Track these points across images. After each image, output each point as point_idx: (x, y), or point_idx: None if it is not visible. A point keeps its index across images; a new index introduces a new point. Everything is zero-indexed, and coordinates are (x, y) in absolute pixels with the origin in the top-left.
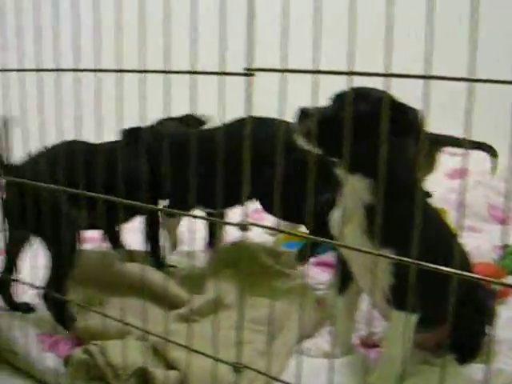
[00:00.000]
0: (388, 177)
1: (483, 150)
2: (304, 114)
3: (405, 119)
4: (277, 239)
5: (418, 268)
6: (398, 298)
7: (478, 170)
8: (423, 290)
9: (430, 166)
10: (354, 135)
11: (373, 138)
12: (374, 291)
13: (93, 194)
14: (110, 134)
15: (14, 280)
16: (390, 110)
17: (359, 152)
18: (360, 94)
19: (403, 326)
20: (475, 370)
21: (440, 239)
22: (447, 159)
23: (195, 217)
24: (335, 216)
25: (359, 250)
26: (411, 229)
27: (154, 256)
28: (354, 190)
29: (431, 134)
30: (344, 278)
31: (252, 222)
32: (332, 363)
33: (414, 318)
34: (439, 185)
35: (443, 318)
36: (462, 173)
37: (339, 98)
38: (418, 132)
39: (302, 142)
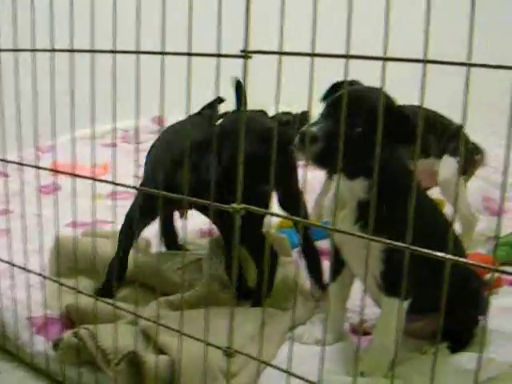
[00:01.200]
0: (386, 178)
1: None
2: (306, 137)
3: (407, 127)
4: (278, 224)
5: (411, 255)
6: (389, 284)
7: None
8: (415, 277)
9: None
10: (356, 146)
11: (374, 145)
12: (366, 278)
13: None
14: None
15: None
16: (391, 118)
17: (361, 160)
18: (358, 100)
19: (394, 313)
20: (466, 358)
21: (434, 228)
22: None
23: None
24: (328, 203)
25: (352, 235)
26: (404, 218)
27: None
28: (351, 189)
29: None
30: (336, 265)
31: (245, 207)
32: (323, 350)
33: (405, 305)
34: None
35: (436, 306)
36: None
37: (335, 108)
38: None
39: (309, 164)
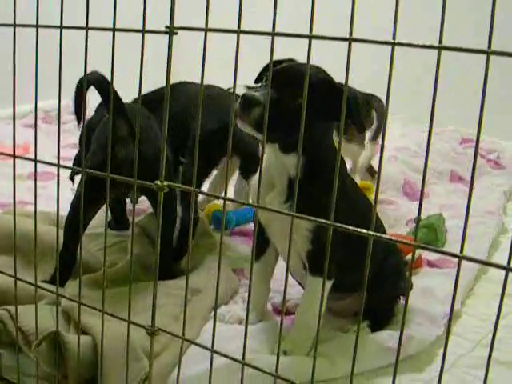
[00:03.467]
0: (320, 156)
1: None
2: (249, 102)
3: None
4: (207, 208)
5: (337, 236)
6: (314, 264)
7: (394, 145)
8: (340, 256)
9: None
10: (296, 118)
11: (312, 119)
12: (292, 257)
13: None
14: None
15: None
16: (331, 93)
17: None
18: (299, 74)
19: (318, 292)
20: (387, 336)
21: (359, 207)
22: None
23: None
24: (255, 182)
25: (281, 213)
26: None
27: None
28: (284, 165)
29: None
30: (261, 245)
31: (169, 184)
32: (246, 329)
33: (329, 284)
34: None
35: (360, 286)
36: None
37: (278, 80)
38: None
39: (248, 129)
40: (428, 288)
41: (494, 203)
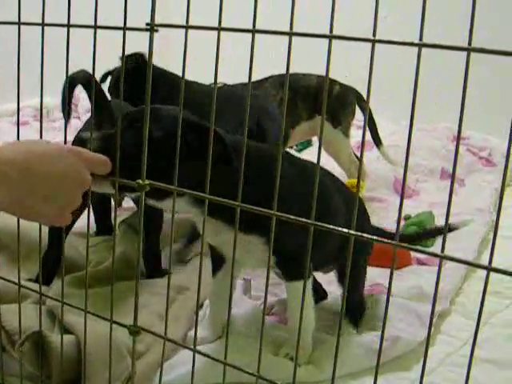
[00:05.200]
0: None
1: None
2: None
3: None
4: None
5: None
6: (287, 271)
7: (385, 143)
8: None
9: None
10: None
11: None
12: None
13: None
14: None
15: None
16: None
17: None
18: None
19: (302, 294)
20: (375, 339)
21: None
22: (354, 132)
23: None
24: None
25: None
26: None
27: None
28: None
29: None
30: (216, 260)
31: (151, 183)
32: (227, 329)
33: (309, 283)
34: None
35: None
36: (367, 145)
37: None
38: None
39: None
40: (417, 286)
41: (485, 200)
